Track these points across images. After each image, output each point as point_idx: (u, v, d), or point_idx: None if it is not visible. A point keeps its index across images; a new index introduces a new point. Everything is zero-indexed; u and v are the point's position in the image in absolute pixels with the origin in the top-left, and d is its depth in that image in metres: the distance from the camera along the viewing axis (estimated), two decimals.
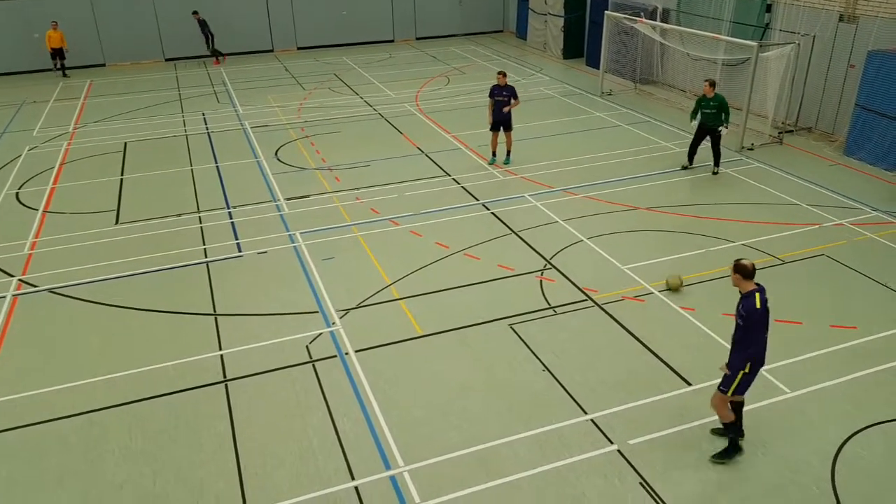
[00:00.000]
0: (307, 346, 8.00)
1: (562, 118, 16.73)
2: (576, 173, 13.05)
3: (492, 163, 13.68)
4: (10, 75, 22.59)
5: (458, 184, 12.74)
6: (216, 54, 24.12)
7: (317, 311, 8.70)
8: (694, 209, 11.32)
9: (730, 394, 5.89)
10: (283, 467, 6.28)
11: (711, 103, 12.45)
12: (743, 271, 5.75)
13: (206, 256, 10.20)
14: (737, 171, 12.96)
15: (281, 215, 11.53)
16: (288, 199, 12.15)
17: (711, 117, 12.48)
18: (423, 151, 14.53)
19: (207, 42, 23.88)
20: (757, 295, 5.69)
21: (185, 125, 16.83)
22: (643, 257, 9.78)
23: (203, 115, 17.68)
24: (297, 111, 17.81)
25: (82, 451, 6.52)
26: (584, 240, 10.36)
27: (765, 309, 5.71)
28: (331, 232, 10.87)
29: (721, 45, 16.05)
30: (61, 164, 14.20)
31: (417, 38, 27.85)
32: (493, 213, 11.46)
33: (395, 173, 13.27)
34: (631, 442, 6.40)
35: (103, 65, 23.90)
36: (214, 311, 8.80)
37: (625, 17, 18.23)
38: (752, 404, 6.64)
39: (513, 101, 13.09)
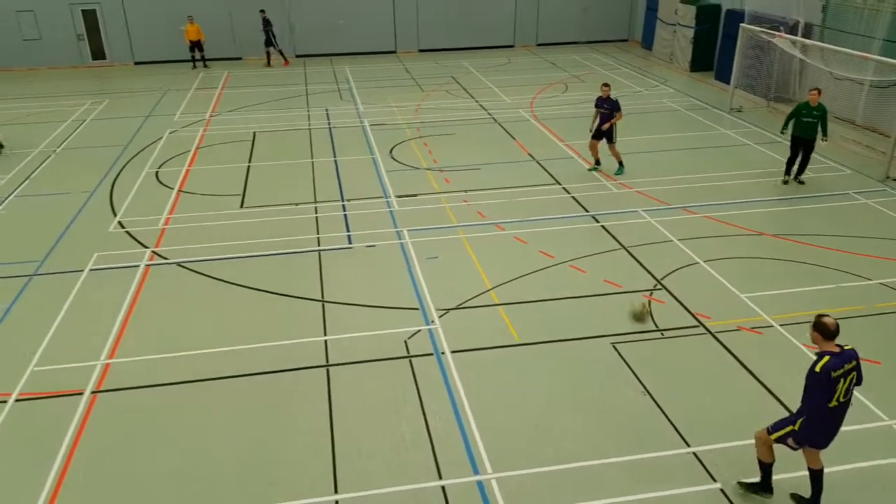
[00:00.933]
0: (406, 342, 8.16)
1: (684, 132, 16.09)
2: (696, 191, 12.51)
3: (592, 170, 13.46)
4: (160, 63, 24.56)
5: (569, 193, 12.55)
6: (282, 54, 24.73)
7: (417, 308, 8.85)
8: (826, 240, 10.54)
9: (773, 438, 5.51)
10: (374, 457, 6.43)
11: (815, 112, 12.01)
12: (822, 330, 5.15)
13: (318, 245, 10.63)
14: (879, 203, 11.94)
15: (391, 212, 11.83)
16: (398, 197, 12.44)
17: (811, 127, 12.14)
18: (534, 158, 14.43)
19: (270, 41, 24.14)
20: (825, 359, 5.10)
21: (309, 119, 17.64)
22: (765, 287, 9.21)
23: (326, 110, 18.45)
24: (415, 112, 18.21)
25: (191, 417, 6.98)
26: (700, 262, 9.90)
27: (828, 378, 5.07)
28: (437, 232, 11.02)
29: (870, 64, 14.84)
30: (197, 148, 15.27)
31: (538, 45, 27.70)
32: (602, 226, 11.19)
33: (504, 178, 13.27)
34: (736, 483, 6.04)
35: (240, 58, 25.48)
36: (322, 297, 9.16)
37: (762, 31, 17.26)
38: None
39: (615, 115, 12.80)
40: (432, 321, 8.56)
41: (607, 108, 12.89)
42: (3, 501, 5.92)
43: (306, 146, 15.44)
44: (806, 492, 5.75)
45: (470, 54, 26.26)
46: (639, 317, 7.83)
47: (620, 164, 13.33)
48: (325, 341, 8.21)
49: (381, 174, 13.63)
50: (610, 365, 7.71)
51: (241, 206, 12.13)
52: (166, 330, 8.48)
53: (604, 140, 13.14)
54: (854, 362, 5.22)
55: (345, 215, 11.74)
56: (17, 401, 7.14)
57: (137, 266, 9.97)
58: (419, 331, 8.37)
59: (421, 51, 26.85)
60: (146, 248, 10.55)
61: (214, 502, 5.94)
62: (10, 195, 12.64)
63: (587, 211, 11.77)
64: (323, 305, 8.99)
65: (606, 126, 12.91)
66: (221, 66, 24.24)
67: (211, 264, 10.03)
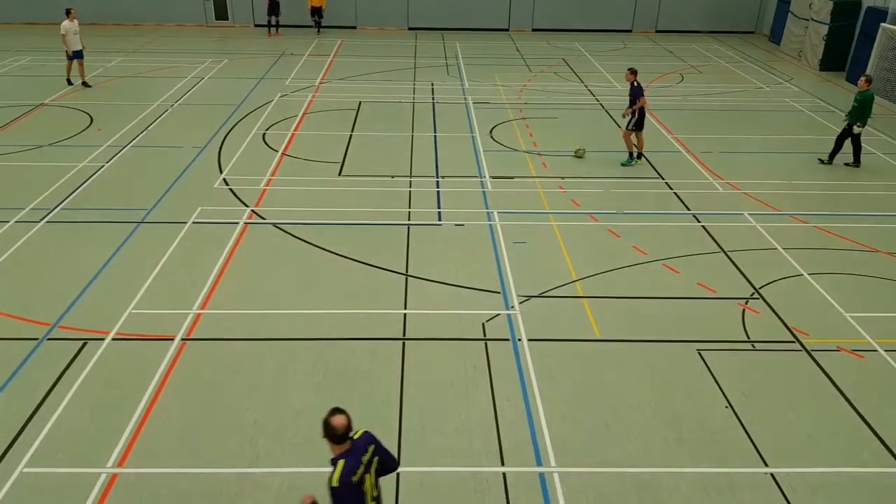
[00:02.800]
0: (483, 324, 8.12)
1: (806, 135, 15.00)
2: (810, 198, 11.66)
3: (626, 163, 12.99)
4: (286, 27, 25.44)
5: (671, 189, 12.02)
6: (273, 25, 24.48)
7: (498, 292, 8.78)
8: None
9: None
10: (439, 434, 6.47)
11: (857, 97, 12.55)
12: (331, 434, 4.15)
13: (409, 219, 10.74)
14: None
15: (483, 192, 11.76)
16: (493, 178, 12.34)
17: (854, 111, 12.61)
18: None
19: (273, 12, 24.10)
20: (340, 464, 4.10)
21: (414, 93, 17.78)
22: (873, 308, 8.50)
23: (432, 85, 18.52)
24: (520, 92, 17.95)
25: (272, 373, 7.27)
26: (805, 274, 9.24)
27: (349, 486, 4.08)
28: (527, 216, 10.86)
29: None
30: (304, 114, 15.76)
31: (657, 31, 26.57)
32: (703, 226, 10.65)
33: (604, 168, 12.87)
34: None
35: (354, 27, 26.00)
36: (406, 271, 9.26)
37: None
38: None
39: (637, 100, 12.47)
40: (512, 306, 8.47)
41: (631, 95, 12.60)
42: (90, 432, 6.41)
43: (408, 119, 15.58)
44: None
45: (585, 36, 25.54)
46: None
47: (630, 154, 12.92)
48: (405, 315, 8.31)
49: (479, 153, 13.56)
50: (693, 372, 7.37)
51: (339, 174, 12.43)
52: (256, 287, 8.85)
53: (637, 129, 12.81)
54: (372, 447, 4.34)
55: (437, 192, 11.78)
56: (113, 339, 7.69)
57: (237, 223, 10.44)
58: (498, 315, 8.31)
59: (534, 30, 26.39)
60: (246, 206, 11.03)
61: (282, 457, 6.17)
62: (127, 144, 13.54)
63: (688, 209, 11.23)
64: (406, 279, 9.09)
65: (625, 113, 12.75)
66: (336, 35, 24.79)
67: (305, 228, 10.36)
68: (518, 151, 13.71)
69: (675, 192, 11.87)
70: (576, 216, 10.90)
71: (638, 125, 12.75)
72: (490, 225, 10.57)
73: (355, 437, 4.33)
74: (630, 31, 26.52)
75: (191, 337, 7.77)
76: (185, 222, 10.39)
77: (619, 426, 6.61)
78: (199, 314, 8.18)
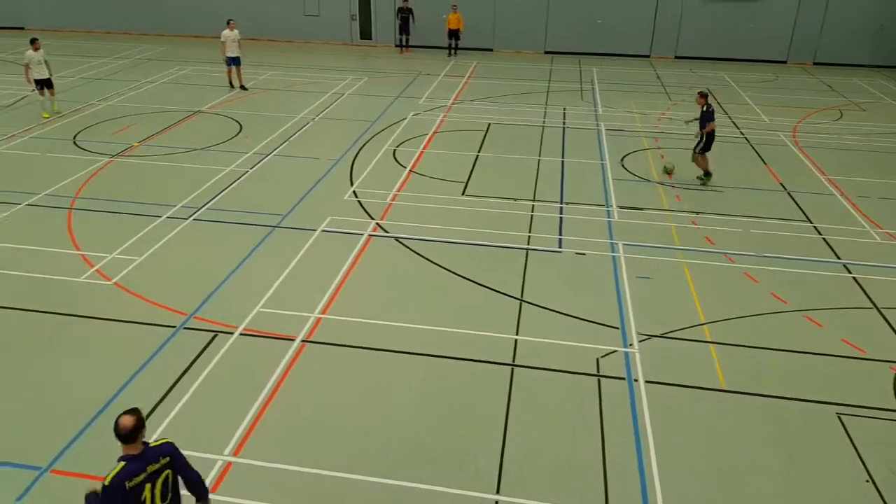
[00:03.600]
0: (598, 359, 7.91)
1: None
2: None
3: (703, 180, 13.18)
4: (420, 47, 26.43)
5: (820, 234, 11.18)
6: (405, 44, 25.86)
7: (617, 328, 8.52)
8: None
9: None
10: (542, 468, 6.36)
11: None
12: (116, 433, 4.15)
13: (528, 244, 10.71)
14: None
15: (609, 222, 11.51)
16: (620, 208, 12.06)
17: None
18: (785, 188, 13.06)
19: (404, 31, 25.35)
20: (119, 466, 4.11)
21: (545, 117, 17.80)
22: None
23: (564, 109, 18.46)
24: (657, 121, 17.47)
25: (382, 383, 7.48)
26: None
27: (122, 491, 4.02)
28: (655, 251, 10.50)
29: None
30: (434, 133, 16.21)
31: (815, 63, 24.95)
32: (854, 277, 9.81)
33: (745, 205, 12.21)
34: None
35: (491, 49, 26.48)
36: (521, 296, 9.23)
37: None
38: None
39: (706, 125, 12.79)
40: (631, 344, 8.20)
41: (700, 119, 12.94)
42: (212, 418, 6.89)
43: (536, 143, 15.61)
44: None
45: (731, 66, 24.48)
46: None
47: (706, 173, 13.15)
48: (516, 340, 8.28)
49: (607, 181, 13.31)
50: (829, 438, 6.76)
51: (463, 194, 12.64)
52: (375, 298, 9.17)
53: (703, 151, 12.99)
54: (166, 460, 4.29)
55: (560, 218, 11.68)
56: (241, 334, 8.24)
57: (361, 234, 10.88)
58: (615, 351, 8.07)
59: (677, 57, 25.65)
60: (372, 219, 11.47)
61: (383, 467, 6.31)
62: (270, 153, 14.54)
63: (838, 258, 10.38)
64: (521, 304, 9.06)
65: (697, 134, 13.04)
66: (472, 56, 25.36)
67: (425, 244, 10.61)
68: (650, 182, 13.32)
69: (823, 238, 11.03)
70: (709, 255, 10.40)
71: (705, 148, 12.99)
72: (613, 256, 10.32)
73: (153, 444, 4.35)
74: (784, 62, 25.09)
75: (310, 339, 8.17)
76: (315, 230, 10.97)
77: (739, 486, 6.18)
78: (319, 318, 8.59)
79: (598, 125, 16.97)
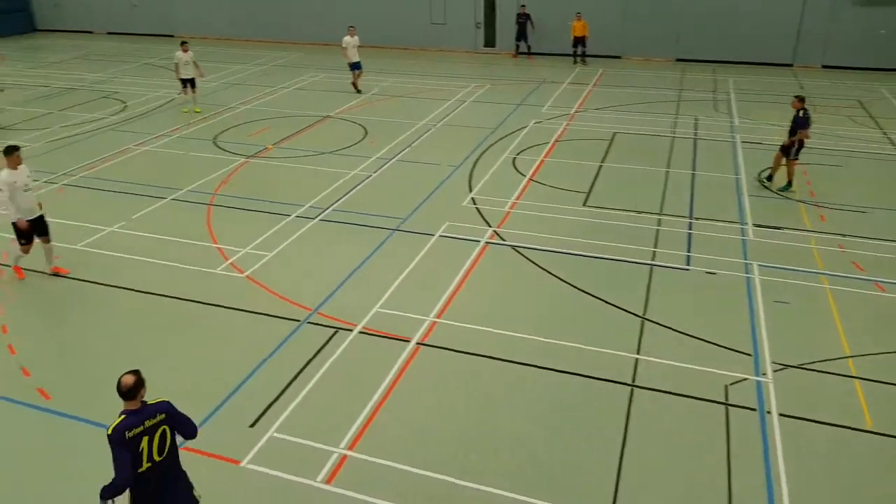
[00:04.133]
0: (726, 386, 7.50)
1: None
2: None
3: (782, 189, 12.86)
4: (545, 55, 26.32)
5: None
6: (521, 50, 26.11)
7: (749, 354, 8.04)
8: None
9: None
10: (661, 497, 6.10)
11: None
12: (118, 390, 4.71)
13: (652, 259, 10.35)
14: None
15: (743, 240, 10.90)
16: (756, 226, 11.39)
17: None
18: None
19: (522, 38, 25.55)
20: (120, 418, 4.66)
21: (674, 127, 17.16)
22: None
23: (695, 120, 17.72)
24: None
25: (495, 392, 7.47)
26: None
27: (122, 438, 4.60)
28: (794, 274, 9.82)
29: None
30: (555, 141, 16.06)
31: None
32: None
33: None
34: None
35: (619, 57, 25.91)
36: (644, 314, 8.92)
37: None
38: None
39: (798, 131, 12.42)
40: (764, 373, 7.71)
41: (792, 124, 12.55)
42: (330, 412, 7.15)
43: (664, 155, 15.08)
44: None
45: (890, 77, 22.52)
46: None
47: (789, 182, 12.80)
48: (636, 360, 8.01)
49: (742, 197, 12.63)
50: None
51: (584, 204, 12.42)
52: (490, 305, 9.19)
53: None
54: (162, 416, 4.78)
55: (689, 234, 11.19)
56: (360, 332, 8.52)
57: (478, 241, 10.95)
58: (745, 379, 7.62)
59: (825, 67, 23.94)
60: (489, 226, 11.52)
61: (491, 477, 6.29)
62: (393, 158, 14.96)
63: None
64: (642, 322, 8.76)
65: (787, 142, 12.62)
66: (599, 64, 24.94)
67: (543, 254, 10.52)
68: (790, 200, 12.50)
69: None
70: (857, 281, 9.60)
71: (797, 154, 12.66)
72: (747, 278, 9.76)
73: (150, 402, 4.82)
74: None
75: (425, 342, 8.31)
76: (433, 234, 11.16)
77: None
78: (434, 322, 8.72)
79: (733, 137, 16.15)
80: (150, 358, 8.11)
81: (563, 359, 8.02)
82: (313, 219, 11.82)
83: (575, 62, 25.06)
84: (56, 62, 26.05)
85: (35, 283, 9.81)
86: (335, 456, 6.53)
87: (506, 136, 16.52)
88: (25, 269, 10.06)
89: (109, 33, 32.31)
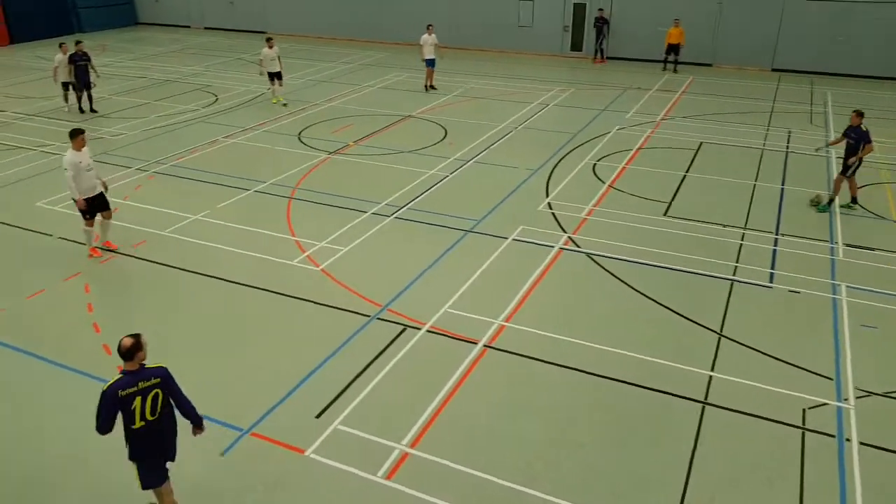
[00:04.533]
0: (804, 410, 7.20)
1: None
2: None
3: (844, 206, 12.28)
4: (629, 61, 25.87)
5: None
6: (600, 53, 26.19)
7: (830, 379, 7.69)
8: None
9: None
10: None
11: None
12: (118, 351, 5.22)
13: (733, 274, 10.04)
14: None
15: (832, 259, 10.41)
16: (847, 245, 10.85)
17: None
18: None
19: (599, 41, 25.74)
20: (115, 378, 5.20)
21: (765, 139, 16.54)
22: None
23: (788, 132, 17.02)
24: None
25: (561, 400, 7.44)
26: None
27: (115, 397, 5.14)
28: (886, 298, 9.32)
29: None
30: (638, 149, 15.78)
31: None
32: None
33: None
34: None
35: (710, 65, 25.15)
36: (721, 330, 8.68)
37: None
38: None
39: (862, 146, 11.75)
40: (846, 399, 7.36)
41: (854, 138, 11.88)
42: (394, 408, 7.31)
43: (753, 167, 14.56)
44: None
45: None
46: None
47: (853, 198, 12.25)
48: (710, 377, 7.80)
49: (834, 215, 12.06)
50: None
51: (665, 214, 12.16)
52: (560, 312, 9.15)
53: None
54: (157, 380, 5.26)
55: (774, 250, 10.78)
56: (428, 331, 8.66)
57: (552, 247, 10.91)
58: (825, 404, 7.30)
59: None
60: (564, 232, 11.45)
61: (556, 486, 6.28)
62: (471, 159, 15.08)
63: None
64: (719, 339, 8.52)
65: (853, 159, 11.91)
66: (688, 71, 24.30)
67: (618, 263, 10.38)
68: (886, 220, 11.84)
69: None
70: None
71: (844, 170, 12.15)
72: (834, 299, 9.33)
73: (149, 366, 5.30)
74: None
75: (492, 345, 8.37)
76: (507, 238, 11.20)
77: None
78: (503, 326, 8.76)
79: (827, 152, 15.41)
80: (225, 343, 8.52)
81: (633, 371, 7.91)
82: (389, 216, 12.07)
83: (665, 69, 24.48)
84: (154, 55, 27.59)
85: (119, 265, 10.46)
86: (396, 452, 6.68)
87: (587, 141, 16.35)
88: (109, 250, 10.75)
89: (206, 28, 33.93)
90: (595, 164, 14.76)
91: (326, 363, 8.05)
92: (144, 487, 5.57)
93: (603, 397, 7.50)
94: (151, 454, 5.47)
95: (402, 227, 11.72)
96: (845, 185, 12.29)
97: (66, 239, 11.24)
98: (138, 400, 5.21)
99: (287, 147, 15.91)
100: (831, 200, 12.36)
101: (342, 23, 30.90)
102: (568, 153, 15.49)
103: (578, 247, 10.94)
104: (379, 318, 8.96)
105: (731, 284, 9.78)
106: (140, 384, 5.21)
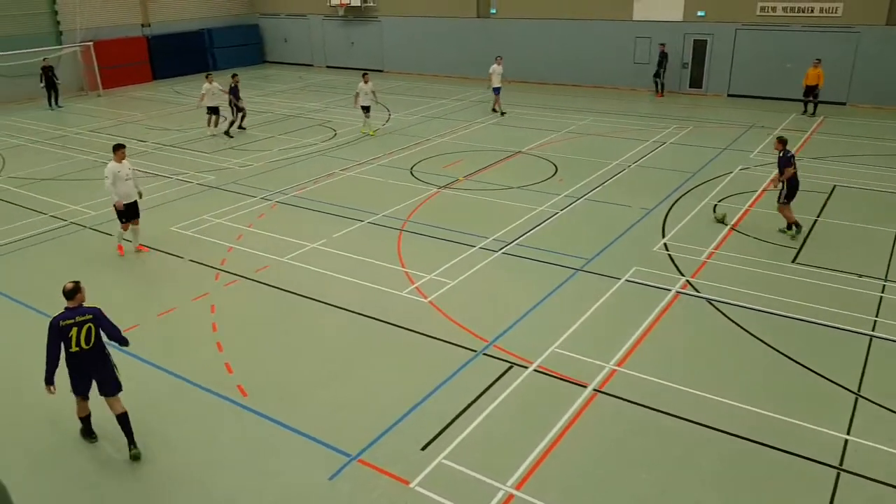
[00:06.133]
0: None
1: None
2: None
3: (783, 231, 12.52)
4: (754, 98, 24.88)
5: None
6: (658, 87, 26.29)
7: None
8: None
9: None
10: None
11: None
12: (63, 292, 6.95)
13: (872, 329, 9.26)
14: None
15: None
16: None
17: None
18: None
19: (658, 75, 25.78)
20: (59, 312, 6.89)
21: None
22: None
23: None
24: None
25: (676, 454, 7.06)
26: None
27: (57, 327, 6.78)
28: None
29: None
30: (764, 190, 14.99)
31: None
32: None
33: None
34: None
35: (844, 104, 23.74)
36: (858, 390, 7.99)
37: None
38: None
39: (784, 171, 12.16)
40: None
41: (779, 166, 12.26)
42: (499, 448, 7.19)
43: (892, 213, 13.49)
44: None
45: None
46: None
47: (790, 225, 12.49)
48: (846, 441, 7.17)
49: None
50: None
51: (794, 261, 11.45)
52: (677, 359, 8.75)
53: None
54: (90, 316, 6.88)
55: None
56: (535, 371, 8.51)
57: (668, 290, 10.51)
58: None
59: None
60: (682, 275, 11.01)
61: None
62: (582, 196, 14.89)
63: None
64: (856, 399, 7.84)
65: (768, 184, 12.83)
66: (820, 110, 22.98)
67: (742, 311, 9.84)
68: None
69: None
70: None
71: (788, 197, 12.38)
72: None
73: (86, 306, 6.95)
74: None
75: (603, 390, 8.10)
76: (619, 278, 10.91)
77: None
78: (614, 370, 8.48)
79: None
80: (336, 368, 8.74)
81: (758, 427, 7.40)
82: (497, 251, 12.08)
83: (805, 112, 22.82)
84: (280, 91, 29.34)
85: (243, 289, 11.02)
86: (502, 493, 6.55)
87: (707, 181, 15.78)
88: (247, 278, 11.37)
89: (328, 67, 35.78)
90: (716, 204, 14.18)
91: (432, 395, 8.08)
92: (75, 392, 7.13)
93: (724, 454, 7.06)
94: (81, 374, 6.99)
95: (510, 263, 11.68)
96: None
97: (196, 262, 12.01)
98: (74, 331, 6.81)
99: (399, 180, 16.36)
100: (792, 225, 12.49)
101: (454, 61, 31.69)
102: (686, 193, 14.98)
103: (697, 291, 10.48)
104: (485, 354, 8.91)
105: (870, 340, 9.02)
106: (77, 318, 6.83)
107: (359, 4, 32.91)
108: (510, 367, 8.58)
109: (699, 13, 25.70)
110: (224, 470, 7.03)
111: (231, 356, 9.06)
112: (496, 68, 22.75)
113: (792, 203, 12.42)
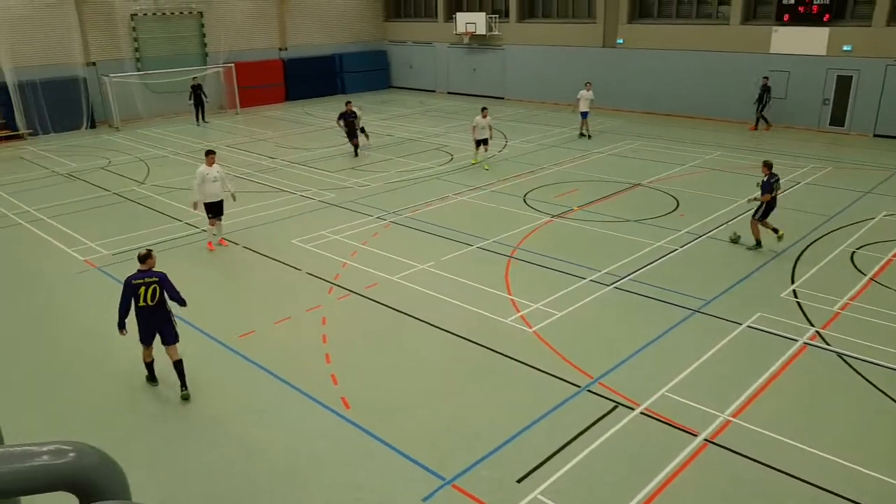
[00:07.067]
0: None
1: None
2: None
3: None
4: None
5: None
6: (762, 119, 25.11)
7: None
8: None
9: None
10: None
11: None
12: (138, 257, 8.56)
13: None
14: None
15: None
16: None
17: None
18: None
19: (761, 104, 24.70)
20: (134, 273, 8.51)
21: None
22: None
23: None
24: None
25: None
26: None
27: (129, 284, 8.33)
28: None
29: None
30: None
31: None
32: None
33: None
34: None
35: None
36: None
37: None
38: None
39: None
40: None
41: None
42: (599, 490, 6.93)
43: None
44: None
45: None
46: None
47: (757, 242, 13.10)
48: None
49: None
50: None
51: None
52: (799, 416, 8.13)
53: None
54: (156, 279, 8.32)
55: None
56: (641, 413, 8.16)
57: (795, 340, 9.81)
58: None
59: None
60: (812, 325, 10.26)
61: None
62: (704, 234, 14.24)
63: None
64: None
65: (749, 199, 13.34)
66: None
67: (878, 370, 9.01)
68: None
69: None
70: None
71: (763, 216, 13.13)
72: None
73: (154, 269, 8.42)
74: None
75: (714, 440, 7.64)
76: (740, 324, 10.31)
77: None
78: (728, 420, 7.98)
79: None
80: (436, 390, 8.79)
81: (879, 495, 6.72)
82: (608, 285, 11.77)
83: None
84: (401, 115, 30.28)
85: (354, 304, 11.35)
86: None
87: (846, 226, 14.68)
88: (358, 294, 11.73)
89: (450, 93, 36.59)
90: (854, 251, 13.15)
91: (532, 427, 7.93)
92: (141, 341, 8.58)
93: None
94: (146, 326, 8.46)
95: (622, 299, 11.34)
96: None
97: (312, 275, 12.52)
98: (143, 289, 8.26)
99: (512, 207, 16.36)
100: (757, 242, 13.29)
101: (576, 91, 31.47)
102: (821, 237, 14.00)
103: (828, 344, 9.72)
104: (589, 391, 8.66)
105: None
106: (146, 279, 8.28)
107: (484, 33, 33.51)
108: (615, 407, 8.28)
109: (845, 47, 24.17)
110: (317, 479, 7.20)
111: (337, 368, 9.33)
112: (585, 94, 23.79)
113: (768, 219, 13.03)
